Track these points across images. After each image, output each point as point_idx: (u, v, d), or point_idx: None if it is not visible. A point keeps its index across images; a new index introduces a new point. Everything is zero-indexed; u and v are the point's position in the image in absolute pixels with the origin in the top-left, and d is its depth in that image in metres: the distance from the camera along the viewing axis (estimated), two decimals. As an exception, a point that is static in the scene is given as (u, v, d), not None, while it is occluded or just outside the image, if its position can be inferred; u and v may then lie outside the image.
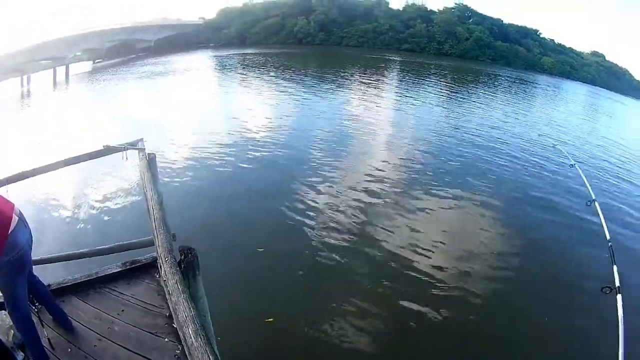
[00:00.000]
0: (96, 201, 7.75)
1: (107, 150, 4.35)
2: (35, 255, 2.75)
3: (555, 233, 8.04)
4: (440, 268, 6.17)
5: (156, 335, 2.72)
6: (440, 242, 6.95)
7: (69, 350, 2.55)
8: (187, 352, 2.17)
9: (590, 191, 5.22)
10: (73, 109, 17.42)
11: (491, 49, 55.61)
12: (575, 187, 10.35)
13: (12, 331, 2.59)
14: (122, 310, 2.94)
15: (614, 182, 12.02)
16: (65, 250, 3.79)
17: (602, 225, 4.25)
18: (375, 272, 5.94)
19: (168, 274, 2.44)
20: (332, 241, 6.60)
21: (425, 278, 5.89)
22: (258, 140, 11.80)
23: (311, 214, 7.51)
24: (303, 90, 21.46)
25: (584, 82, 61.92)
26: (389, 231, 7.11)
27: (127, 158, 4.30)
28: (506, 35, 58.61)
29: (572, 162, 6.66)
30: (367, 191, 8.71)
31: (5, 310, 2.47)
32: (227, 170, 9.55)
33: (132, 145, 4.38)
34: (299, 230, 6.90)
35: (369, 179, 9.38)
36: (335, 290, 5.44)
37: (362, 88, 24.06)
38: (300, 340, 4.55)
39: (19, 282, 2.27)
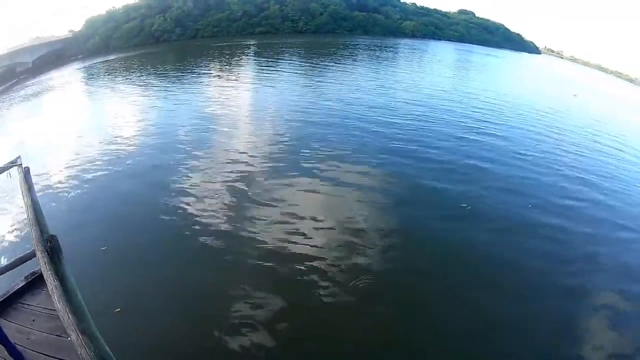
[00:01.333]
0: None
1: None
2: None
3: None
4: (315, 247, 6.48)
5: (60, 336, 3.02)
6: (312, 220, 7.27)
7: (3, 367, 2.93)
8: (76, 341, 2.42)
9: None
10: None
11: (347, 21, 57.86)
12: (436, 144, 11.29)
13: None
14: (34, 320, 3.28)
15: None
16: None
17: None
18: (244, 264, 6.10)
19: (45, 270, 2.76)
20: (199, 235, 6.87)
21: (302, 259, 6.16)
22: (125, 143, 12.20)
23: (179, 206, 7.80)
24: (163, 88, 21.90)
25: (451, 41, 64.85)
26: (255, 218, 7.34)
27: (10, 176, 4.91)
28: (364, 5, 60.85)
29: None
30: (236, 179, 8.95)
31: None
32: (100, 173, 10.04)
33: (13, 163, 5.07)
34: (166, 223, 7.21)
35: (237, 168, 9.66)
36: (194, 283, 5.69)
37: (219, 78, 24.38)
38: (148, 331, 4.86)
39: None
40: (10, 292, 3.63)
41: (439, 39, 63.64)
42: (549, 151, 12.69)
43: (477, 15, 75.47)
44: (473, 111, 16.47)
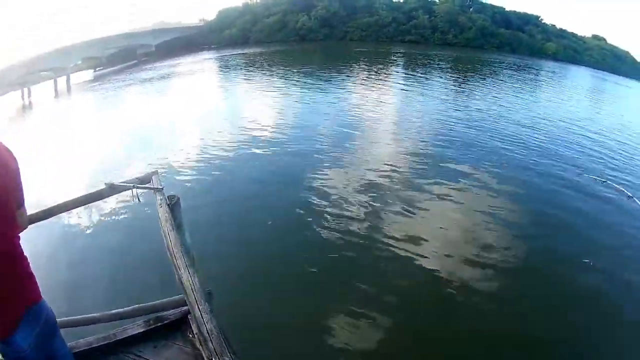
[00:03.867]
0: (101, 253, 6.23)
1: (111, 191, 3.10)
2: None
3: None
4: (450, 259, 6.05)
5: None
6: (453, 234, 6.81)
7: None
8: None
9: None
10: (72, 122, 16.66)
11: (495, 37, 55.42)
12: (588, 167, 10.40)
13: None
14: None
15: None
16: (70, 314, 3.00)
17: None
18: (378, 260, 5.91)
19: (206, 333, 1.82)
20: (344, 236, 6.50)
21: (437, 271, 5.76)
22: (259, 136, 11.95)
23: (310, 202, 7.55)
24: (305, 87, 21.42)
25: (588, 67, 61.29)
26: (396, 222, 7.04)
27: (139, 200, 3.14)
28: (508, 23, 58.44)
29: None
30: (376, 182, 8.76)
31: None
32: (230, 165, 9.68)
33: (143, 182, 3.20)
34: (295, 219, 6.89)
35: (378, 171, 9.41)
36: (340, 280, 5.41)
37: (367, 81, 23.95)
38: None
39: None
40: (118, 337, 2.62)
41: (578, 64, 59.79)
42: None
43: (607, 41, 70.90)
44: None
